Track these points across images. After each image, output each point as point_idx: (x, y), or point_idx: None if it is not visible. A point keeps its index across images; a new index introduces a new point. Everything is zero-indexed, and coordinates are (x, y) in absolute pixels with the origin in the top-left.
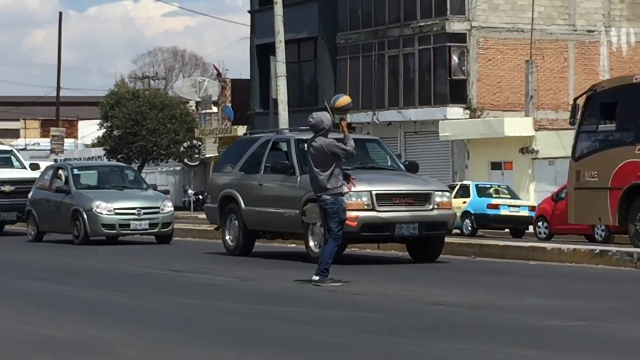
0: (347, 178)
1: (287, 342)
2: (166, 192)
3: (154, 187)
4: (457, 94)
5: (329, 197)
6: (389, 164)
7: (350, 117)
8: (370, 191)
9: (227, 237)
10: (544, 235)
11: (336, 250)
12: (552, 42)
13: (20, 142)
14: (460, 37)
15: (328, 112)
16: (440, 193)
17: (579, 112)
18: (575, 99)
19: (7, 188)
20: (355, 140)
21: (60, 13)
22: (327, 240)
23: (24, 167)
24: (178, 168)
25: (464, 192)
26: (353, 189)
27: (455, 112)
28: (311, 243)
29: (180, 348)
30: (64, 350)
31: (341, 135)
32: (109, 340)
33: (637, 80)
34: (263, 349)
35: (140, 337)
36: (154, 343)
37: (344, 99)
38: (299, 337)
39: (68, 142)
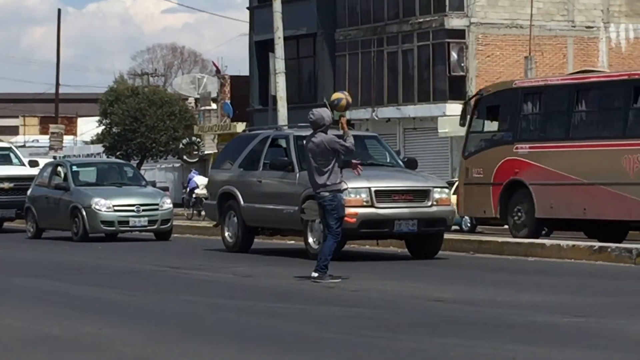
0: (353, 165)
1: (285, 339)
2: (165, 189)
3: (153, 184)
4: (456, 90)
5: (327, 193)
6: (388, 160)
7: (349, 114)
8: (369, 188)
9: (226, 234)
10: (543, 232)
11: (335, 247)
12: (551, 38)
13: (19, 139)
14: (459, 34)
15: (327, 108)
16: (439, 189)
17: (469, 114)
18: (465, 102)
19: (6, 185)
20: (354, 136)
21: (59, 10)
22: (326, 237)
23: (23, 164)
24: (177, 165)
25: None
26: (352, 185)
27: (454, 108)
28: (310, 240)
29: (179, 345)
30: (63, 347)
31: (341, 132)
32: (108, 337)
33: (517, 85)
34: (261, 346)
35: (139, 334)
36: (152, 340)
37: (345, 102)
38: (297, 334)
39: (67, 139)
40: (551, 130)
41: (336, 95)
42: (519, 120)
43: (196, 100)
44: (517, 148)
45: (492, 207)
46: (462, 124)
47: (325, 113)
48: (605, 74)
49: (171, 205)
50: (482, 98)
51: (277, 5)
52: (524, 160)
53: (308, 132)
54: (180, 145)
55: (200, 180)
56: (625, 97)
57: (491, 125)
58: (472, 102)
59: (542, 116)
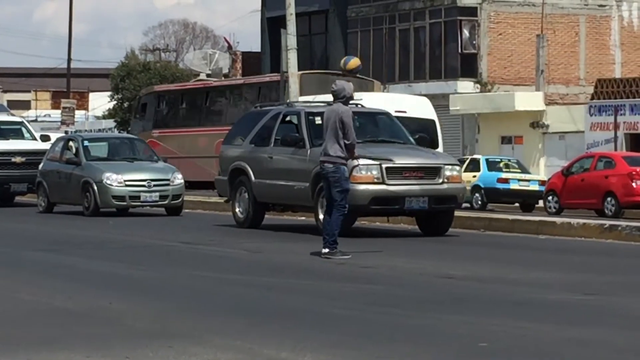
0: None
1: (294, 314)
2: None
3: (164, 159)
4: (468, 68)
5: (331, 165)
6: (399, 137)
7: (361, 93)
8: (380, 164)
9: (237, 210)
10: (554, 210)
11: (342, 220)
12: (564, 17)
13: (31, 113)
14: (472, 11)
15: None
16: (450, 167)
17: (135, 109)
18: (132, 99)
19: (17, 159)
20: (365, 113)
21: None
22: (331, 211)
23: (35, 139)
24: None
25: (474, 166)
26: (363, 161)
27: (465, 86)
28: (321, 216)
29: (189, 320)
30: (73, 321)
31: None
32: (119, 311)
33: (155, 89)
34: (271, 321)
35: (150, 309)
36: (163, 315)
37: (355, 61)
38: (306, 309)
39: (79, 113)
40: (169, 121)
41: (356, 62)
42: (155, 113)
43: (208, 76)
44: (153, 133)
45: None
46: (134, 116)
47: (347, 85)
48: (195, 83)
49: (182, 181)
50: (141, 97)
51: None
52: (156, 141)
53: (319, 109)
54: None
55: None
56: (201, 98)
57: (146, 117)
58: (136, 100)
59: (165, 111)
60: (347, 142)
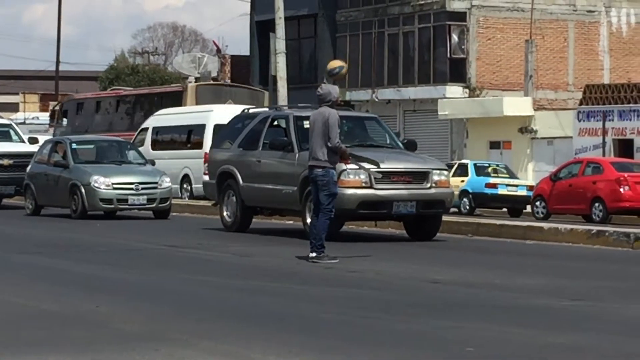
0: (345, 156)
1: (282, 318)
2: None
3: (152, 163)
4: (457, 72)
5: (320, 169)
6: (388, 142)
7: (349, 95)
8: (368, 169)
9: (225, 213)
10: (542, 215)
11: (328, 224)
12: (552, 22)
13: (19, 116)
14: (460, 16)
15: (326, 78)
16: (438, 171)
17: (57, 116)
18: (54, 107)
19: (5, 162)
20: (354, 118)
21: None
22: (317, 215)
23: (23, 141)
24: None
25: (462, 171)
26: (351, 166)
27: (454, 91)
28: (309, 220)
29: (177, 323)
30: (61, 324)
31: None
32: (106, 314)
33: (74, 97)
34: (258, 325)
35: (138, 312)
36: (151, 318)
37: (345, 68)
38: (294, 314)
39: None
40: (86, 127)
41: (337, 63)
42: (74, 120)
43: (196, 79)
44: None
45: None
46: (51, 124)
47: (333, 89)
48: (108, 92)
49: (170, 184)
50: (62, 105)
51: None
52: None
53: (307, 112)
54: None
55: None
56: (113, 106)
57: (66, 123)
58: (59, 107)
59: (83, 118)
60: (329, 144)
